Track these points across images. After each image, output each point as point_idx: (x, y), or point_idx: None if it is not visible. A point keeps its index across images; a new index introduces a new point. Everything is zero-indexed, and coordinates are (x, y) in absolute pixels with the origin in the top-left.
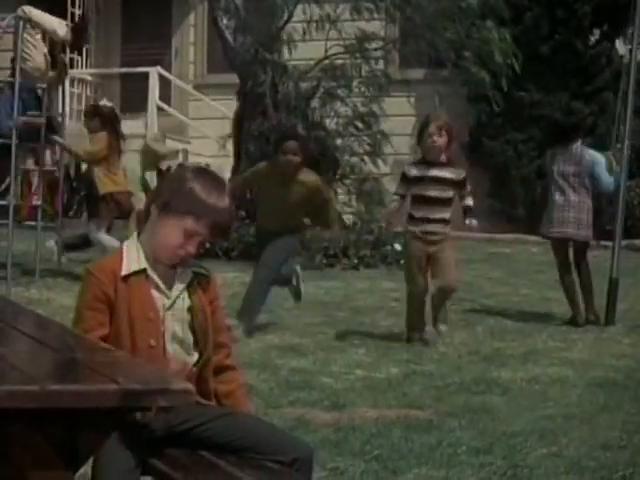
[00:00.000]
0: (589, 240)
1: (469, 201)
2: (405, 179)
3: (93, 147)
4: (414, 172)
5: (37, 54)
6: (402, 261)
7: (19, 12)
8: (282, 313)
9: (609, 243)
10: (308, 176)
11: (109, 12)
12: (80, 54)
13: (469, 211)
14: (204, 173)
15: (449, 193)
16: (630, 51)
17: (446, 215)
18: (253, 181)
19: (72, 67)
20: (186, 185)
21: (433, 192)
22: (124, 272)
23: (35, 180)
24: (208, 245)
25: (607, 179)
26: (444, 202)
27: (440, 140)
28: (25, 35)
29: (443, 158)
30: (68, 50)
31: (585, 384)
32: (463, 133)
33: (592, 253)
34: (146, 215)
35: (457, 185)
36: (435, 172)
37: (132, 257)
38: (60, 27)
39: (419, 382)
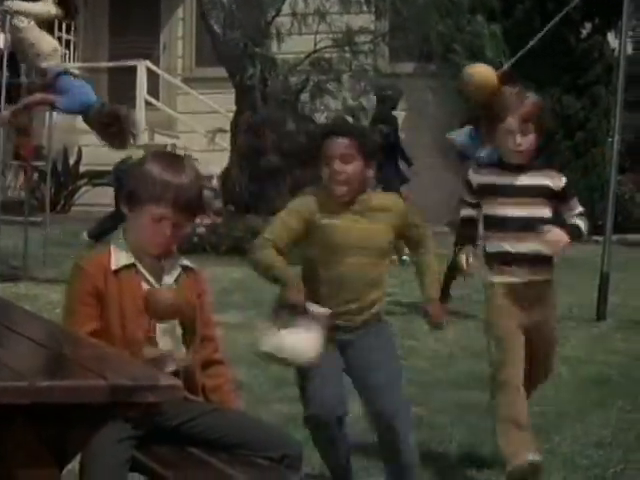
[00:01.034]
0: None
1: (577, 220)
2: (472, 191)
3: None
4: (488, 179)
5: (43, 38)
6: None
7: (4, 6)
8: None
9: (600, 238)
10: (384, 197)
11: (97, 5)
12: (69, 27)
13: (576, 236)
14: (161, 155)
15: (545, 210)
16: (619, 44)
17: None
18: (289, 234)
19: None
20: (143, 170)
21: (521, 210)
22: (114, 267)
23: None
24: (196, 239)
25: None
26: (538, 224)
27: (526, 142)
28: (17, 23)
29: (527, 158)
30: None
31: (578, 381)
32: (453, 127)
33: (583, 247)
34: (118, 211)
35: (555, 197)
36: (523, 179)
37: (120, 252)
38: (49, 6)
39: (409, 378)
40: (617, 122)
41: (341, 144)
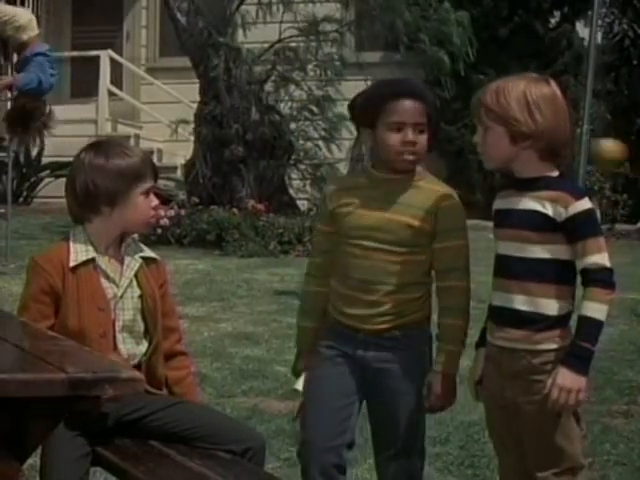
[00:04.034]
0: None
1: (595, 258)
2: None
3: None
4: (497, 202)
5: (16, 10)
6: None
7: None
8: (235, 301)
9: None
10: (436, 184)
11: None
12: None
13: (597, 285)
14: (103, 145)
15: (534, 249)
16: (590, 33)
17: (535, 304)
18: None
19: None
20: (108, 166)
21: (506, 246)
22: (72, 263)
23: None
24: (160, 231)
25: None
26: (529, 270)
27: (481, 140)
28: None
29: (529, 171)
30: None
31: None
32: None
33: None
34: (71, 210)
35: (558, 229)
36: (516, 200)
37: (80, 247)
38: None
39: None
40: (586, 112)
41: (417, 109)
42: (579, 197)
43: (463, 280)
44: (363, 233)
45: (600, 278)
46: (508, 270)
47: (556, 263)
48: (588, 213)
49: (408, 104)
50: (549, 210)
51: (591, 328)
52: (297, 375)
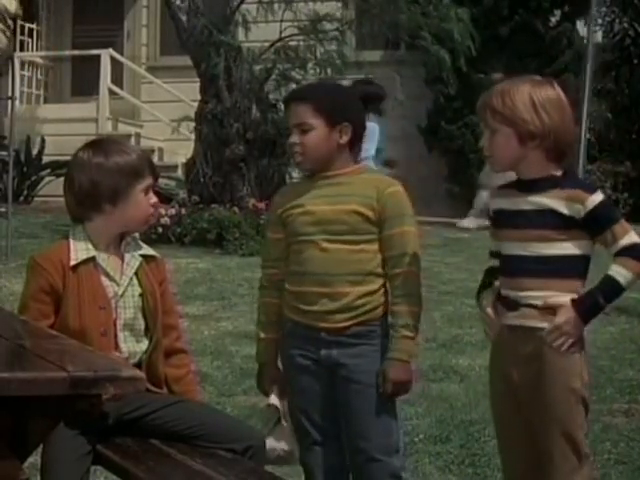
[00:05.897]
0: None
1: (626, 240)
2: (491, 221)
3: None
4: (499, 202)
5: None
6: None
7: None
8: (236, 300)
9: None
10: (378, 176)
11: None
12: (32, 22)
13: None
14: (102, 144)
15: (552, 246)
16: (588, 31)
17: (549, 300)
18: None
19: (22, 49)
20: (108, 165)
21: (519, 247)
22: (73, 262)
23: None
24: (160, 230)
25: None
26: (544, 267)
27: (488, 143)
28: None
29: (536, 171)
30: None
31: None
32: (421, 116)
33: None
34: (71, 209)
35: (578, 226)
36: (523, 201)
37: (80, 246)
38: (9, 2)
39: None
40: (584, 110)
41: (295, 111)
42: (592, 191)
43: (413, 266)
44: (318, 228)
45: (633, 253)
46: (520, 269)
47: (571, 258)
48: (604, 204)
49: (290, 108)
50: (565, 209)
51: (609, 287)
52: (266, 393)
